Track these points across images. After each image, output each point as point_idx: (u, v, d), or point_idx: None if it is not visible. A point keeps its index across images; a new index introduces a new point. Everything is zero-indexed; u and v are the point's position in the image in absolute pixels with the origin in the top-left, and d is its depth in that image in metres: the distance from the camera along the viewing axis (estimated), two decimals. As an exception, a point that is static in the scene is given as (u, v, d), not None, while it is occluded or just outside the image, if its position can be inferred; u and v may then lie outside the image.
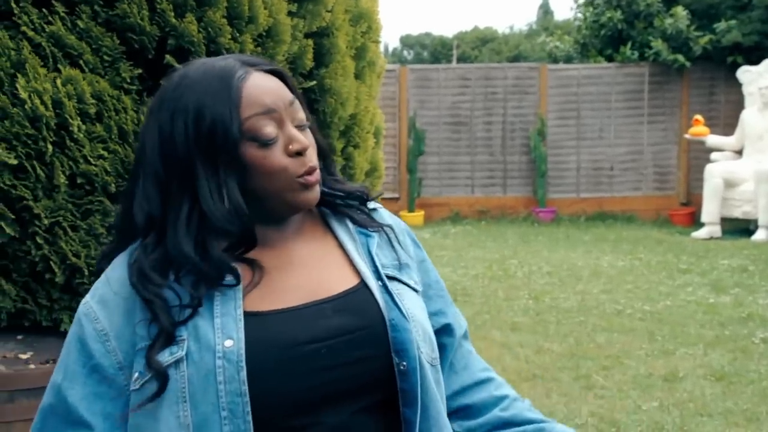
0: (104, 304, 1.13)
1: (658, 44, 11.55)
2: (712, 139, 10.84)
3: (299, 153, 1.13)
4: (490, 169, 12.23)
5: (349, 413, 1.12)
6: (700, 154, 11.34)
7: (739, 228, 10.44)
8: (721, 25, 11.31)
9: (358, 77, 3.20)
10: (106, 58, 2.37)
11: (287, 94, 1.16)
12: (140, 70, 2.46)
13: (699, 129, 10.81)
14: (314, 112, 2.89)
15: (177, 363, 1.06)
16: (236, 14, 2.40)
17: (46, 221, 2.37)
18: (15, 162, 2.24)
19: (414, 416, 1.14)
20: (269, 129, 1.12)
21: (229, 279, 1.12)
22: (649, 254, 9.00)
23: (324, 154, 1.24)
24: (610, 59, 12.29)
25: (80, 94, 2.29)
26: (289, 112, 1.15)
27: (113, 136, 2.44)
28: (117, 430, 1.09)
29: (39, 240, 2.35)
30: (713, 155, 10.80)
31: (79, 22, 2.30)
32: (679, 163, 12.02)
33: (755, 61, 11.01)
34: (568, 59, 13.36)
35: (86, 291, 2.49)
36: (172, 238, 1.11)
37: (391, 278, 1.23)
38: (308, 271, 1.20)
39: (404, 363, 1.14)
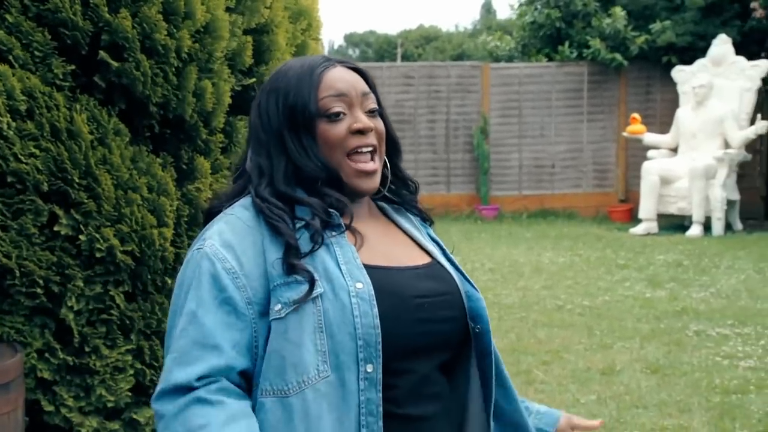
0: (230, 248, 1.27)
1: (596, 43, 11.77)
2: (649, 137, 11.09)
3: (360, 132, 1.34)
4: (434, 167, 12.31)
5: (431, 367, 1.32)
6: (638, 152, 11.59)
7: (675, 224, 10.72)
8: (656, 26, 11.58)
9: (298, 75, 3.18)
10: (37, 53, 2.31)
11: (362, 86, 1.38)
12: (73, 67, 2.40)
13: (636, 127, 11.06)
14: (254, 110, 2.87)
15: (314, 298, 1.23)
16: (172, 10, 2.36)
17: (-26, 221, 2.30)
18: (-59, 160, 2.17)
19: (490, 370, 1.38)
20: (337, 108, 1.34)
21: (335, 218, 1.31)
22: (588, 250, 9.17)
23: (395, 146, 1.45)
24: (549, 58, 12.48)
25: (9, 90, 2.23)
26: (361, 100, 1.36)
27: (45, 134, 2.38)
28: (242, 357, 1.23)
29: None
30: (650, 153, 11.05)
31: (8, 17, 2.24)
32: (618, 161, 12.28)
33: (689, 61, 11.31)
34: (510, 58, 13.52)
35: (18, 293, 2.43)
36: (279, 177, 1.33)
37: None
38: (389, 244, 1.40)
39: (479, 326, 1.37)
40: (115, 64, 2.35)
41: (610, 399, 4.33)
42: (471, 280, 1.42)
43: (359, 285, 1.26)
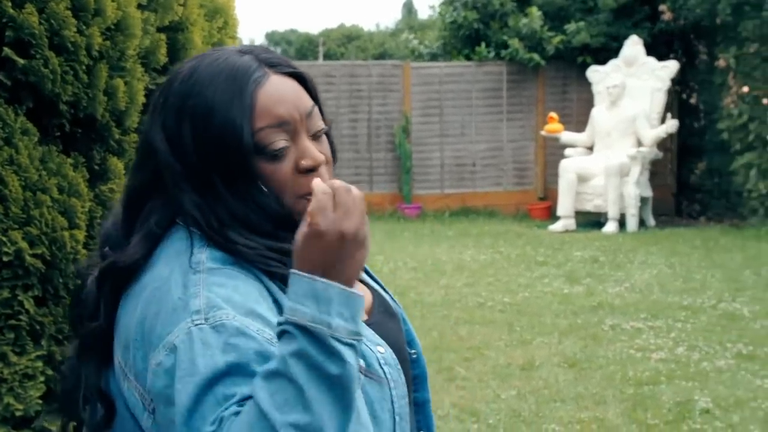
0: (256, 316, 0.97)
1: (514, 43, 11.98)
2: (566, 136, 11.36)
3: (310, 170, 1.06)
4: (356, 167, 12.32)
5: None
6: (556, 150, 11.85)
7: (591, 221, 11.01)
8: (571, 27, 11.87)
9: (216, 73, 3.14)
10: (-64, 49, 2.21)
11: (305, 103, 1.09)
12: (-24, 64, 2.30)
13: (554, 126, 11.31)
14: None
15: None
16: (81, 6, 2.29)
17: None
18: None
19: (428, 395, 1.27)
20: (280, 143, 1.05)
21: None
22: (509, 248, 9.34)
23: (333, 158, 1.18)
24: (468, 58, 12.64)
25: None
26: (305, 123, 1.08)
27: (-53, 134, 2.28)
28: None
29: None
30: (567, 151, 11.32)
31: None
32: (536, 159, 12.53)
33: (603, 61, 11.63)
34: (433, 57, 13.64)
35: None
36: (228, 218, 1.04)
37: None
38: None
39: (414, 351, 1.26)
40: (21, 61, 2.26)
41: (529, 393, 4.43)
42: (394, 297, 1.30)
43: (381, 349, 1.06)
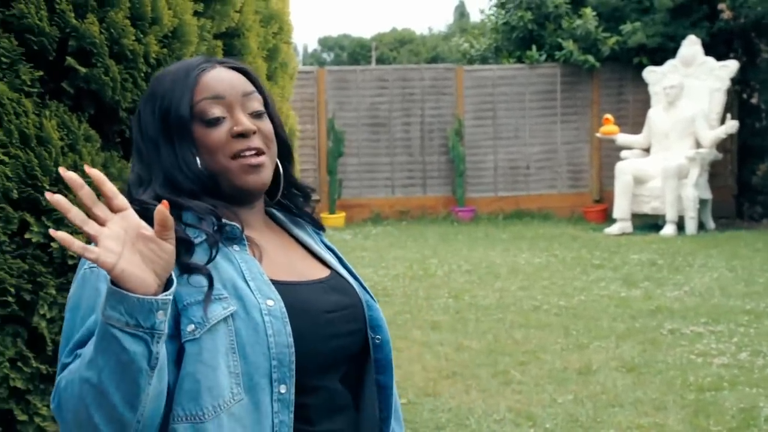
0: None
1: (569, 45, 11.85)
2: (622, 138, 11.19)
3: (242, 135, 1.26)
4: (410, 170, 12.32)
5: (336, 380, 1.30)
6: (611, 152, 11.69)
7: (649, 223, 10.81)
8: (626, 27, 11.69)
9: (271, 79, 3.18)
10: (4, 60, 2.28)
11: (243, 86, 1.30)
12: (41, 73, 2.38)
13: (609, 128, 11.15)
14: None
15: (226, 318, 1.18)
16: (139, 15, 2.34)
17: (-59, 230, 2.26)
18: None
19: (390, 381, 1.39)
20: (215, 111, 1.26)
21: (236, 230, 1.25)
22: (564, 251, 9.23)
23: (286, 151, 1.38)
24: (520, 60, 12.55)
25: (-24, 97, 2.20)
26: (242, 101, 1.29)
27: (14, 141, 2.35)
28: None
29: None
30: (623, 153, 11.14)
31: (-27, 23, 2.21)
32: (592, 161, 12.37)
33: (659, 62, 11.43)
34: (484, 60, 13.58)
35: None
36: (158, 185, 1.26)
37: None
38: (289, 255, 1.36)
39: (379, 336, 1.36)
40: (83, 69, 2.33)
41: (586, 398, 4.36)
42: (368, 289, 1.40)
43: (270, 302, 1.21)
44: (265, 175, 1.30)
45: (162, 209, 1.05)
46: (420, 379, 4.72)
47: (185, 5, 2.43)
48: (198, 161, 1.26)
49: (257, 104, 1.30)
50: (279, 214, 1.43)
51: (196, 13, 2.55)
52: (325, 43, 42.96)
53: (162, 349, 1.09)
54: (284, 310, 1.21)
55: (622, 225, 10.55)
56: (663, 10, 11.60)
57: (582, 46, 11.93)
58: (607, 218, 11.36)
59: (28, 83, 2.35)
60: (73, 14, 2.23)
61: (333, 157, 11.88)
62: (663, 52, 11.57)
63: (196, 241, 1.21)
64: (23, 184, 2.38)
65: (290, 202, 1.43)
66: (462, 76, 12.29)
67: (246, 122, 1.27)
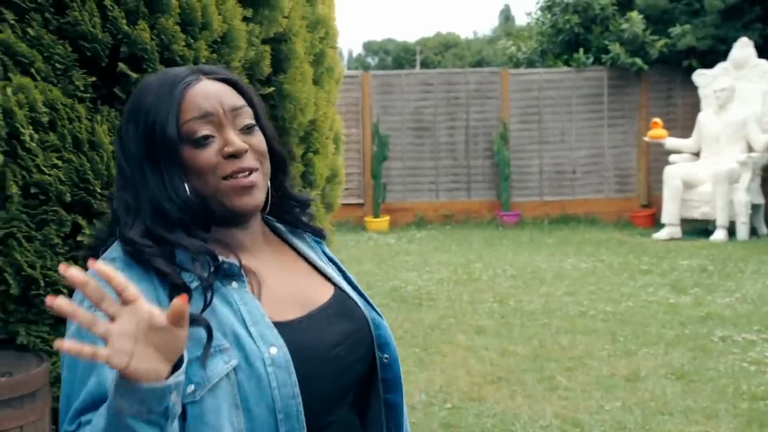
0: None
1: (615, 48, 11.71)
2: (671, 142, 11.01)
3: (233, 156, 1.18)
4: (454, 174, 12.29)
5: (345, 407, 1.25)
6: (660, 157, 11.50)
7: (698, 228, 10.61)
8: (675, 30, 11.50)
9: (317, 83, 3.20)
10: (58, 66, 2.34)
11: (232, 101, 1.21)
12: (94, 78, 2.43)
13: (657, 131, 10.97)
14: (273, 119, 2.88)
15: (228, 373, 1.10)
16: (189, 21, 2.38)
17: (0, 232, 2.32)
18: (-35, 172, 2.19)
19: (400, 399, 1.32)
20: (204, 131, 1.17)
21: (233, 267, 1.17)
22: (611, 256, 9.10)
23: (280, 162, 1.29)
24: (567, 64, 12.43)
25: (32, 102, 2.26)
26: (231, 117, 1.20)
27: (67, 145, 2.41)
28: None
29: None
30: (672, 157, 10.96)
31: (29, 30, 2.26)
32: (639, 166, 12.19)
33: (709, 65, 11.21)
34: (531, 64, 13.49)
35: (43, 303, 2.45)
36: (148, 216, 1.16)
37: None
38: (290, 277, 1.28)
39: (387, 355, 1.31)
40: (134, 75, 2.37)
41: (635, 405, 4.29)
42: (373, 303, 1.34)
43: (273, 350, 1.13)
44: (258, 196, 1.22)
45: (180, 304, 0.96)
46: (464, 383, 4.69)
47: (234, 11, 2.46)
48: (187, 188, 1.17)
49: (247, 118, 1.22)
50: (278, 225, 1.36)
51: (244, 19, 2.58)
52: (370, 48, 43.12)
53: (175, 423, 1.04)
54: (288, 357, 1.13)
55: (670, 230, 10.37)
56: (714, 12, 11.38)
57: (629, 48, 11.77)
58: (655, 223, 11.18)
59: (81, 89, 2.40)
60: (125, 21, 2.28)
61: (377, 161, 11.90)
62: (713, 55, 11.35)
63: (192, 286, 1.13)
64: (76, 187, 2.43)
65: (287, 214, 1.35)
66: (507, 79, 12.22)
67: (237, 142, 1.18)
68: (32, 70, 2.32)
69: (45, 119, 2.35)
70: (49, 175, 2.37)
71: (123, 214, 1.17)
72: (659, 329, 5.86)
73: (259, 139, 1.23)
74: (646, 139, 11.35)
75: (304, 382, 1.14)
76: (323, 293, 1.28)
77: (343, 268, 1.38)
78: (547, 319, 6.23)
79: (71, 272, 0.91)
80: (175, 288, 1.10)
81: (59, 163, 2.40)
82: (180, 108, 1.17)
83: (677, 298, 6.89)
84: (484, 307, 6.68)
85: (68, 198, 2.41)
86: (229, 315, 1.14)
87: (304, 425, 1.13)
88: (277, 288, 1.23)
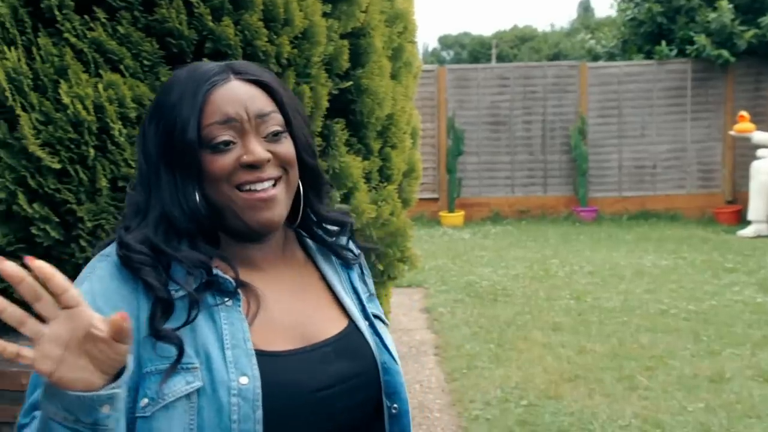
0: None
1: (701, 39, 11.35)
2: (758, 136, 10.61)
3: (251, 166, 1.10)
4: (530, 169, 12.15)
5: None
6: (746, 151, 11.11)
7: (787, 226, 10.21)
8: (765, 19, 11.07)
9: (395, 77, 3.20)
10: (145, 62, 2.40)
11: (259, 106, 1.12)
12: (179, 74, 2.48)
13: (744, 125, 10.60)
14: (351, 113, 2.90)
15: (189, 394, 1.02)
16: (272, 17, 2.41)
17: (89, 224, 2.41)
18: (59, 166, 2.28)
19: None
20: (224, 137, 1.10)
21: (227, 284, 1.09)
22: (693, 253, 8.85)
23: (311, 177, 1.20)
24: (649, 56, 12.12)
25: (121, 98, 2.33)
26: (256, 124, 1.11)
27: (153, 140, 2.47)
28: None
29: (82, 242, 2.40)
30: (759, 152, 10.57)
31: (119, 28, 2.33)
32: (724, 161, 11.81)
33: (802, 55, 10.78)
34: (610, 57, 13.21)
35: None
36: (151, 222, 1.11)
37: (374, 316, 1.23)
38: (299, 304, 1.17)
39: (396, 405, 1.16)
40: (218, 70, 2.42)
41: (719, 408, 4.16)
42: (389, 345, 1.19)
43: (243, 380, 1.03)
44: (277, 212, 1.13)
45: (119, 320, 0.89)
46: (541, 381, 4.64)
47: (315, 6, 2.48)
48: (197, 196, 1.10)
49: (274, 125, 1.13)
50: (310, 241, 1.25)
51: (324, 14, 2.60)
52: (445, 42, 42.95)
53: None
54: (258, 390, 1.03)
55: (757, 227, 10.01)
56: (806, 0, 10.93)
57: (715, 40, 11.39)
58: (741, 220, 10.82)
59: (168, 84, 2.46)
60: (210, 17, 2.33)
61: (452, 155, 11.85)
62: (806, 45, 10.90)
63: (178, 294, 1.06)
64: (162, 180, 2.49)
65: (314, 234, 1.25)
66: (586, 73, 12.00)
67: (257, 151, 1.10)
68: (121, 67, 2.39)
69: (133, 114, 2.42)
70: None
71: (131, 214, 1.13)
72: (745, 329, 5.67)
73: (285, 148, 1.14)
74: (732, 133, 10.98)
75: (274, 422, 1.03)
76: (331, 327, 1.17)
77: (362, 297, 1.25)
78: (626, 317, 6.10)
79: (5, 266, 0.84)
80: (158, 301, 1.04)
81: (146, 157, 2.46)
82: (202, 111, 1.09)
83: (765, 297, 6.65)
84: (561, 304, 6.58)
85: (154, 191, 2.48)
86: (208, 334, 1.06)
87: None
88: (278, 313, 1.13)
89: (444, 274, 7.91)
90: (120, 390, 0.93)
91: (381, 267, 3.20)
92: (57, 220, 2.38)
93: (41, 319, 0.89)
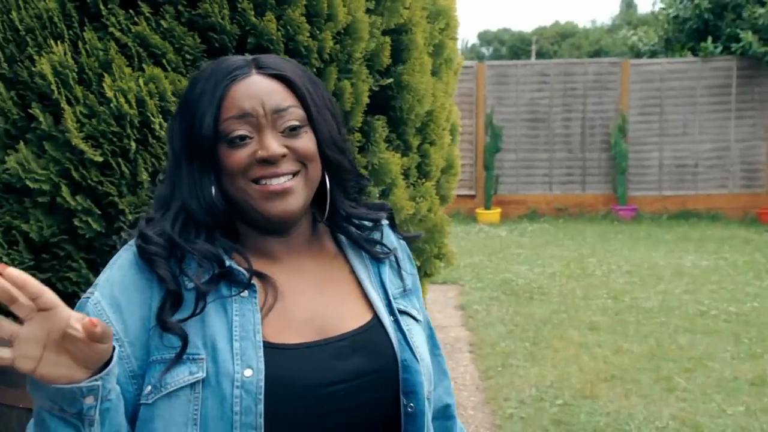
0: (117, 308, 1.08)
1: (747, 36, 11.13)
2: (804, 135, 10.41)
3: (266, 161, 1.11)
4: (569, 167, 12.04)
5: None
6: (791, 151, 10.90)
7: (833, 228, 10.00)
8: (815, 16, 10.84)
9: (435, 74, 3.19)
10: (187, 57, 2.42)
11: (276, 101, 1.13)
12: (221, 69, 2.50)
13: (790, 124, 10.40)
14: (391, 109, 2.89)
15: (193, 384, 1.04)
16: (315, 12, 2.41)
17: (130, 216, 2.44)
18: (101, 159, 2.31)
19: None
20: (240, 131, 1.11)
21: (240, 275, 1.11)
22: (735, 254, 8.70)
23: (338, 171, 1.20)
24: (693, 53, 11.92)
25: (162, 92, 2.35)
26: (272, 119, 1.12)
27: (195, 134, 2.49)
28: None
29: (124, 235, 2.43)
30: (805, 152, 10.37)
31: (162, 22, 2.35)
32: (769, 160, 11.59)
33: None
34: (653, 54, 13.02)
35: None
36: (171, 215, 1.14)
37: (402, 312, 1.22)
38: (321, 297, 1.17)
39: (412, 404, 1.14)
40: (259, 66, 2.43)
41: (760, 411, 4.09)
42: (413, 343, 1.17)
43: (248, 372, 1.04)
44: (293, 203, 1.13)
45: (89, 326, 0.91)
46: (577, 380, 4.60)
47: (358, 2, 2.48)
48: (213, 190, 1.13)
49: (293, 120, 1.13)
50: (341, 236, 1.26)
51: (367, 10, 2.59)
52: (485, 38, 42.69)
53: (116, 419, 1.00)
54: (261, 383, 1.03)
55: (801, 229, 9.81)
56: None
57: (763, 36, 11.15)
58: (785, 221, 10.61)
59: (210, 79, 2.47)
60: (252, 12, 2.33)
61: (490, 152, 11.79)
62: None
63: (190, 286, 1.08)
64: (202, 174, 2.51)
65: (342, 229, 1.24)
66: (628, 70, 11.85)
67: (272, 146, 1.11)
68: (164, 61, 2.41)
69: (173, 108, 2.44)
70: (178, 162, 2.46)
71: (157, 206, 1.16)
72: (788, 333, 5.56)
73: (303, 143, 1.14)
74: (776, 132, 10.78)
75: (277, 415, 1.04)
76: (352, 321, 1.16)
77: (391, 296, 1.22)
78: (664, 317, 6.02)
79: None
80: (168, 293, 1.07)
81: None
82: (221, 105, 1.12)
83: (808, 301, 6.52)
84: (598, 303, 6.51)
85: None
86: (217, 324, 1.07)
87: None
88: (295, 307, 1.13)
89: (480, 271, 7.88)
90: (100, 382, 0.96)
91: (418, 263, 3.19)
92: (99, 212, 2.41)
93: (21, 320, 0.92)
